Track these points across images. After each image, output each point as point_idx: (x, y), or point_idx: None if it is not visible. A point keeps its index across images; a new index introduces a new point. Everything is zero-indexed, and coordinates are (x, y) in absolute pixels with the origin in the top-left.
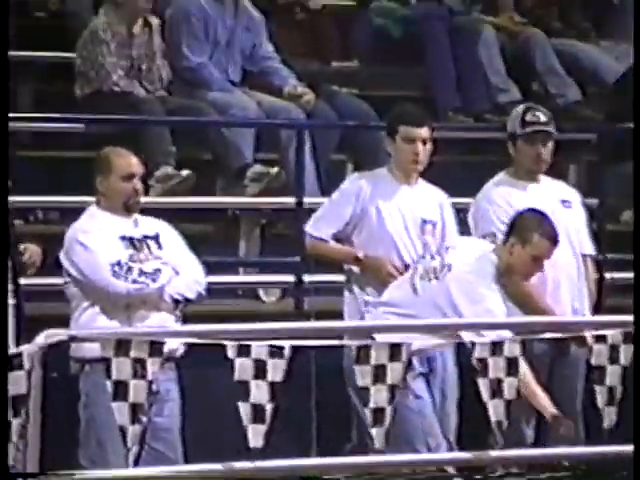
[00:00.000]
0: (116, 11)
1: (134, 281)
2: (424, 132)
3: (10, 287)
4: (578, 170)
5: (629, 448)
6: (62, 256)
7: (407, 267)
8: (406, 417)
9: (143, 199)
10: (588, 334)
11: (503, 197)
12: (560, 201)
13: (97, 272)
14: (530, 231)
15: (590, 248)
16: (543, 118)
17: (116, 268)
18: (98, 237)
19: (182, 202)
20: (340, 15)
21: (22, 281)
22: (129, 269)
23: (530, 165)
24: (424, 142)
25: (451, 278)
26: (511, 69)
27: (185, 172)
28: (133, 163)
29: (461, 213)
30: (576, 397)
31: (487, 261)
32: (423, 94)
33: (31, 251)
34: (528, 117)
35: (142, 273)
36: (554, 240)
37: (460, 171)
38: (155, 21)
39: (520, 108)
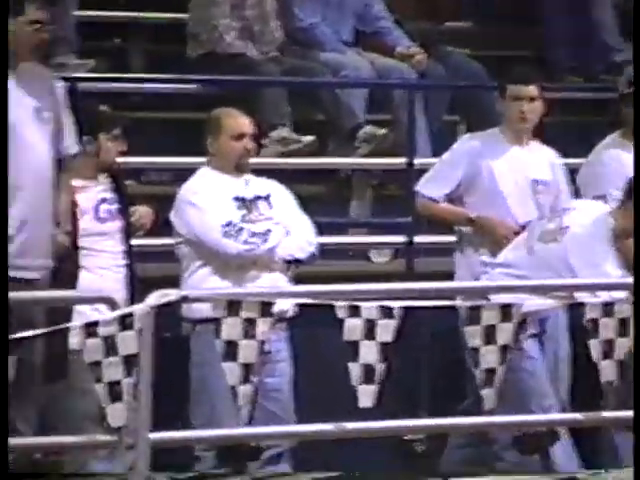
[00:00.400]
0: None
1: (245, 242)
2: (531, 90)
3: (122, 248)
4: None
5: None
6: (173, 216)
7: (521, 228)
8: (519, 378)
9: (255, 159)
10: None
11: (614, 159)
12: None
13: (208, 232)
14: None
15: None
16: None
17: (227, 229)
18: (209, 197)
19: (294, 163)
20: None
21: (133, 242)
22: (240, 229)
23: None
24: (531, 100)
25: (568, 240)
26: (626, 28)
27: (308, 138)
28: (243, 123)
29: (574, 174)
30: None
31: (604, 224)
32: (537, 54)
33: (140, 212)
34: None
35: (253, 234)
36: None
37: (575, 132)
38: None
39: (630, 68)
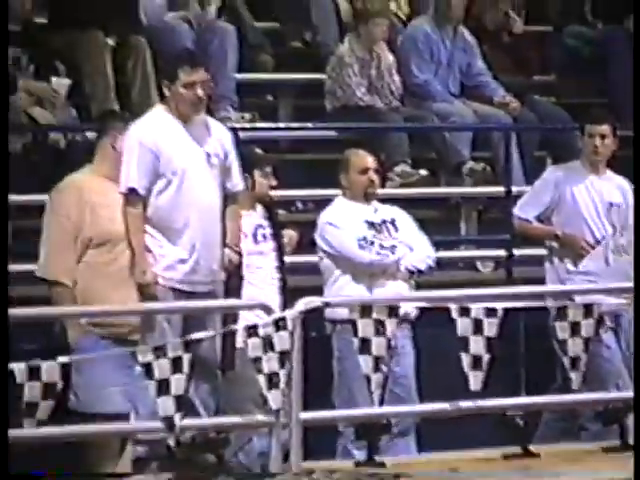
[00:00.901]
0: (358, 39)
1: (377, 253)
2: (604, 129)
3: (276, 264)
4: None
5: None
6: (317, 236)
7: (598, 242)
8: (599, 364)
9: (381, 190)
10: None
11: None
12: None
13: (346, 245)
14: None
15: None
16: None
17: (362, 242)
18: (345, 219)
19: (414, 193)
20: (539, 37)
21: (284, 259)
22: (372, 243)
23: None
24: (603, 137)
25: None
26: None
27: (422, 172)
28: (367, 160)
29: None
30: None
31: None
32: (609, 101)
33: (289, 235)
34: None
35: (383, 247)
36: None
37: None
38: (384, 47)
39: None
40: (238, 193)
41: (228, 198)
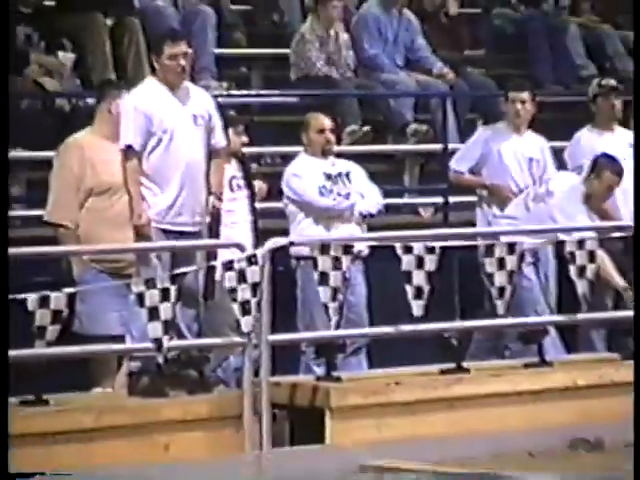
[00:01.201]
0: (318, 20)
1: (334, 200)
2: (524, 95)
3: (249, 209)
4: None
5: None
6: (283, 185)
7: (520, 191)
8: (520, 293)
9: (337, 147)
10: None
11: (587, 142)
12: (628, 144)
13: (307, 193)
14: (603, 170)
15: None
16: (612, 82)
17: (322, 189)
18: (307, 171)
19: (366, 149)
20: (471, 18)
21: (256, 205)
22: (330, 191)
23: (607, 115)
24: (523, 102)
25: (552, 200)
26: (589, 53)
27: (365, 128)
28: (324, 122)
29: (557, 153)
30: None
31: (577, 189)
32: (529, 72)
33: (259, 186)
34: (603, 82)
35: (339, 195)
36: (620, 175)
37: (555, 124)
38: (340, 25)
39: (597, 78)
40: (221, 149)
41: (213, 153)
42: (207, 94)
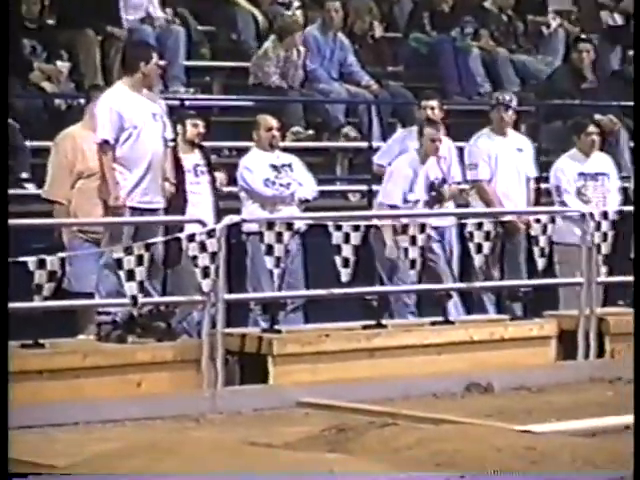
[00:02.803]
0: (278, 42)
1: (276, 189)
2: (433, 103)
3: (210, 192)
4: (526, 127)
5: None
6: (237, 175)
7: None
8: (429, 265)
9: (282, 143)
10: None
11: (483, 143)
12: (517, 148)
13: (255, 185)
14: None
15: (533, 173)
16: (507, 97)
17: (266, 182)
18: (256, 164)
19: (303, 145)
20: (392, 40)
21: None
22: (273, 183)
23: (502, 122)
24: (432, 109)
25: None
26: (487, 72)
27: (310, 131)
28: (272, 122)
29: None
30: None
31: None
32: (439, 85)
33: (220, 177)
34: (500, 97)
35: (281, 185)
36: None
37: (460, 128)
38: (302, 49)
39: (497, 93)
40: (170, 141)
41: (167, 144)
42: (159, 97)
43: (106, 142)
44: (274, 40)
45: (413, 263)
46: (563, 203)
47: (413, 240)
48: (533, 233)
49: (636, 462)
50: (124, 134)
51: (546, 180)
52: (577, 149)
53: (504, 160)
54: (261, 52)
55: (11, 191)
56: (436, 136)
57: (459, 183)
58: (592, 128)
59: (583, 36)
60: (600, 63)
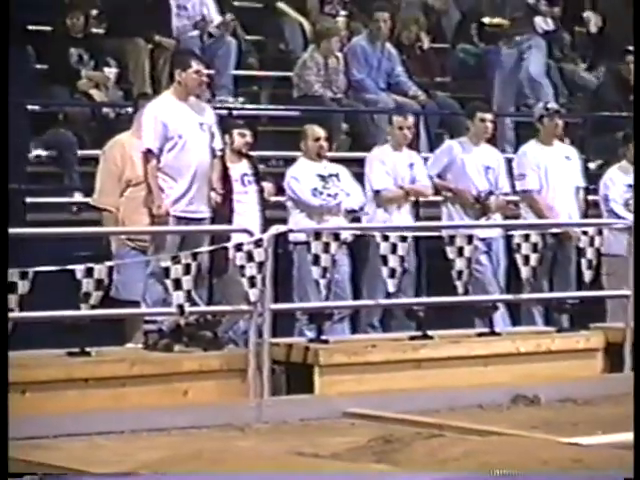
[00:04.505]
0: (317, 50)
1: (323, 200)
2: (489, 116)
3: (258, 201)
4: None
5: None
6: (284, 185)
7: (478, 193)
8: (475, 276)
9: (329, 153)
10: (578, 230)
11: (532, 154)
12: (565, 157)
13: (303, 194)
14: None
15: (582, 183)
16: (555, 105)
17: (314, 192)
18: (303, 174)
19: (352, 155)
20: (440, 51)
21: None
22: (321, 193)
23: (550, 132)
24: (492, 122)
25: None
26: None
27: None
28: (319, 132)
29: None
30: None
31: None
32: (485, 95)
33: (267, 187)
34: (549, 105)
35: (329, 195)
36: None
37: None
38: (340, 55)
39: (542, 103)
40: (218, 150)
41: (215, 154)
42: (209, 107)
43: (150, 151)
44: (313, 49)
45: (460, 274)
46: (611, 212)
47: (460, 251)
48: (581, 245)
49: (636, 462)
50: (169, 143)
51: (594, 192)
52: (626, 160)
53: (553, 170)
54: (301, 62)
55: (60, 199)
56: (404, 123)
57: (507, 194)
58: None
59: (630, 48)
60: None
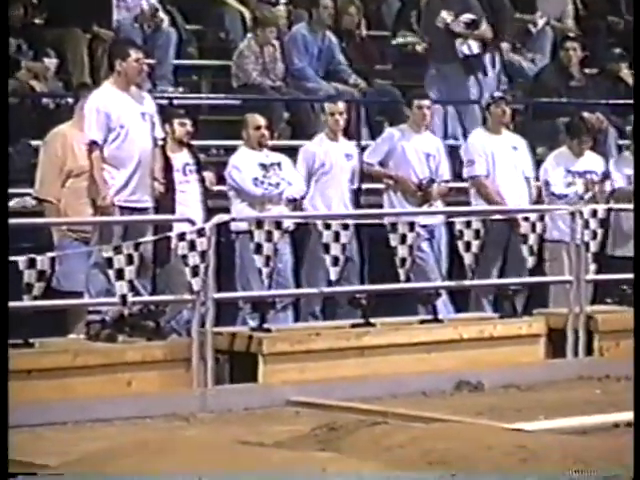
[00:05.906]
0: (255, 39)
1: (265, 189)
2: (426, 102)
3: (199, 191)
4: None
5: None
6: (226, 175)
7: (420, 181)
8: (418, 264)
9: (270, 142)
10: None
11: (479, 141)
12: (512, 147)
13: (245, 184)
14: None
15: (531, 172)
16: (500, 94)
17: (255, 181)
18: (245, 163)
19: (293, 144)
20: (380, 39)
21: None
22: (262, 182)
23: (497, 120)
24: (429, 108)
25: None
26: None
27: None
28: (260, 120)
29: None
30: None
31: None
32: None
33: (208, 176)
34: (495, 95)
35: (270, 184)
36: None
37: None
38: (276, 43)
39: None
40: (159, 140)
41: (156, 143)
42: (149, 96)
43: (94, 143)
44: (249, 38)
45: (403, 261)
46: (552, 196)
47: (402, 239)
48: (522, 231)
49: (636, 462)
50: (112, 134)
51: (536, 178)
52: (566, 147)
53: (500, 158)
54: (238, 51)
55: None
56: (335, 109)
57: (447, 181)
58: (582, 126)
59: (571, 35)
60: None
